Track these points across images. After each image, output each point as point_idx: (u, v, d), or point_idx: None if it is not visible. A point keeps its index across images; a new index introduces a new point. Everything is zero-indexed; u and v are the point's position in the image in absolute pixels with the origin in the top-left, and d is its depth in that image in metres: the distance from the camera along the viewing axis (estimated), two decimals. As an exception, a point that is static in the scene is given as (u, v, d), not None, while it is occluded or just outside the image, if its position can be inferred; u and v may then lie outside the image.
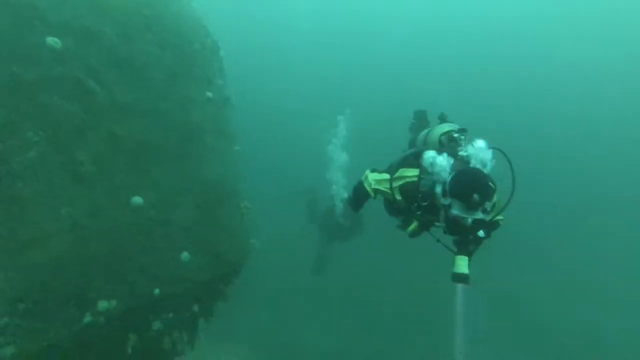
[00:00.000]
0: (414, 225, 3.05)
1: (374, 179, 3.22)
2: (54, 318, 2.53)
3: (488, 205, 2.51)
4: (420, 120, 4.23)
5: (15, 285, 2.40)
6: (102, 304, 2.79)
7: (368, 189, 3.23)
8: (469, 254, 2.83)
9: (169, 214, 3.44)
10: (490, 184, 2.60)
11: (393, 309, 9.41)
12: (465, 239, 2.80)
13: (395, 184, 3.02)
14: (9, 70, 2.73)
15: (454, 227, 2.63)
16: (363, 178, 3.34)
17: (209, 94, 4.39)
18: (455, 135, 2.97)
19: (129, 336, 3.06)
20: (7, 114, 2.64)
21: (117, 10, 3.83)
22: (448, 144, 2.98)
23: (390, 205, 3.28)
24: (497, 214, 2.89)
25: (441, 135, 3.07)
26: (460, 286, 3.05)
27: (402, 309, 9.34)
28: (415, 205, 2.90)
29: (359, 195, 3.38)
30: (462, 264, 2.78)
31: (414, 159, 3.13)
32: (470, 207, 2.47)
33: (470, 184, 2.48)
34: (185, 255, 3.43)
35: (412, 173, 2.93)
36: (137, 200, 3.23)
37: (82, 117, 3.14)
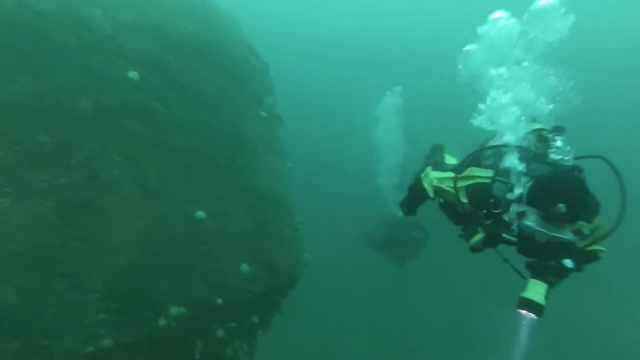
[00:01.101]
0: (478, 237, 2.56)
1: (436, 176, 2.83)
2: (136, 317, 2.80)
3: (583, 226, 2.08)
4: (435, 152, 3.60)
5: (105, 286, 2.70)
6: (174, 309, 3.04)
7: (427, 187, 2.86)
8: (549, 283, 2.31)
9: (224, 225, 3.70)
10: (586, 195, 2.12)
11: (443, 331, 9.10)
12: (541, 264, 2.32)
13: (461, 184, 2.58)
14: (97, 101, 3.17)
15: (526, 244, 2.21)
16: (422, 175, 2.96)
17: (262, 113, 4.70)
18: (548, 135, 2.41)
19: (196, 342, 3.28)
20: (98, 139, 3.06)
21: (177, 40, 4.29)
22: (537, 145, 2.42)
23: (452, 209, 2.82)
24: (596, 242, 2.24)
25: (529, 133, 2.51)
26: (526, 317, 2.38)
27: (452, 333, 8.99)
28: (484, 212, 2.45)
29: (415, 195, 3.05)
30: (536, 290, 2.27)
31: (488, 158, 2.66)
32: (551, 219, 2.02)
33: (556, 190, 2.04)
34: (244, 266, 3.64)
35: (484, 174, 2.49)
36: (201, 214, 3.51)
37: (149, 135, 3.53)
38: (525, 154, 2.37)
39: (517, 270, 2.47)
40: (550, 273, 2.31)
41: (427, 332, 9.08)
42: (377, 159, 9.54)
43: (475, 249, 2.60)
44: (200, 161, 3.87)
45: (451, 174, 2.71)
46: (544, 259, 2.29)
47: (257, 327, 3.96)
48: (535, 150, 2.38)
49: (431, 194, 2.88)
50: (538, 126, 2.54)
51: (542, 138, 2.41)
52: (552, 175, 2.16)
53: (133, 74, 3.49)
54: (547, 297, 2.27)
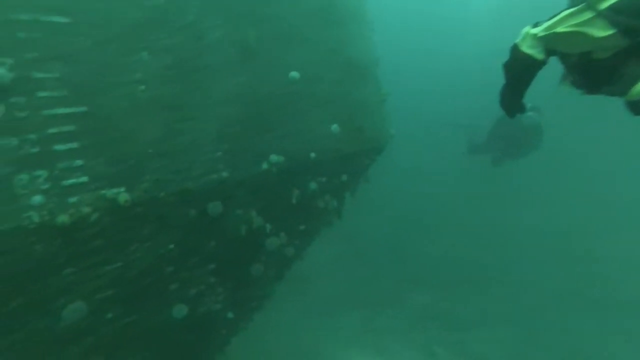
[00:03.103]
0: None
1: (543, 27, 2.19)
2: (245, 158, 3.46)
3: None
4: None
5: (218, 131, 3.34)
6: (273, 157, 3.62)
7: (530, 50, 2.21)
8: None
9: (315, 88, 4.06)
10: None
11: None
12: None
13: (603, 4, 1.85)
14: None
15: None
16: (519, 40, 2.32)
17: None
18: None
19: (293, 189, 3.92)
20: (202, 3, 3.44)
21: None
22: None
23: (581, 65, 2.16)
24: None
25: None
26: None
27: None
28: None
29: (515, 73, 2.38)
30: None
31: None
32: None
33: None
34: (335, 127, 4.05)
35: None
36: (294, 74, 3.88)
37: (246, 1, 3.83)
38: None
39: None
40: None
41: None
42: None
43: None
44: (293, 28, 4.14)
45: (569, 10, 2.03)
46: None
47: (346, 187, 4.50)
48: None
49: (540, 55, 2.22)
50: None
51: None
52: None
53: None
54: None
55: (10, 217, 2.67)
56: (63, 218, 2.85)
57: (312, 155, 3.91)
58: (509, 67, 2.41)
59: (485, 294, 8.36)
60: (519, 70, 2.36)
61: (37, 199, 2.78)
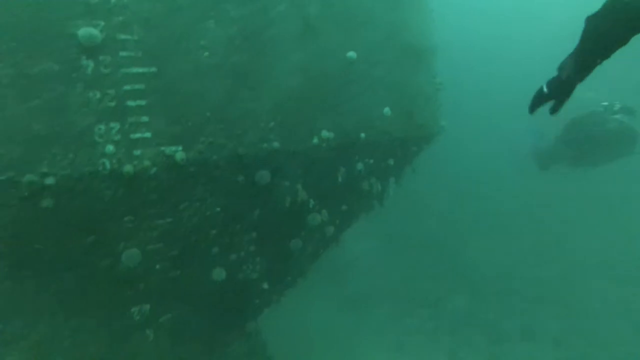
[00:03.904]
0: None
1: None
2: (296, 131, 3.66)
3: None
4: None
5: (274, 101, 3.53)
6: (324, 133, 3.77)
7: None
8: None
9: (372, 70, 4.15)
10: None
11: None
12: None
13: None
14: None
15: None
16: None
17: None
18: None
19: (340, 167, 4.05)
20: None
21: None
22: None
23: None
24: None
25: None
26: None
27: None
28: None
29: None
30: None
31: None
32: None
33: None
34: (387, 110, 4.13)
35: None
36: (352, 54, 4.00)
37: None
38: None
39: None
40: None
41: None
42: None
43: None
44: (355, 8, 4.25)
45: None
46: None
47: (391, 172, 4.57)
48: None
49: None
50: None
51: None
52: None
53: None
54: None
55: (89, 162, 3.02)
56: (128, 168, 3.17)
57: (362, 135, 4.02)
58: (612, 19, 1.81)
59: (533, 310, 8.00)
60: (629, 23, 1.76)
61: (110, 148, 3.11)
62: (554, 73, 2.27)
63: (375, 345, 6.91)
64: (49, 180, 2.90)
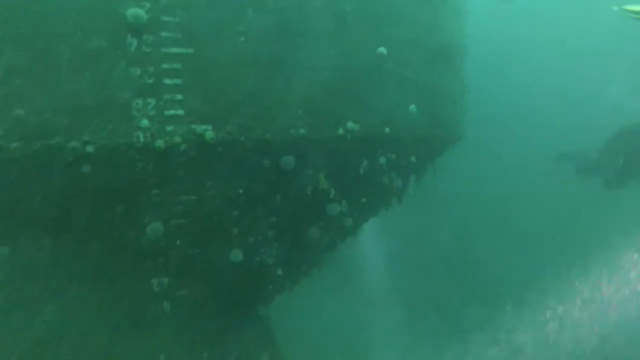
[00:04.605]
0: None
1: None
2: (323, 121, 3.82)
3: None
4: None
5: (304, 90, 3.69)
6: (350, 124, 3.92)
7: None
8: None
9: (401, 67, 4.27)
10: None
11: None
12: None
13: None
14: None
15: None
16: None
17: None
18: None
19: (363, 160, 4.18)
20: None
21: None
22: None
23: None
24: None
25: None
26: None
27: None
28: None
29: None
30: None
31: None
32: None
33: None
34: (412, 107, 4.25)
35: None
36: (382, 50, 4.13)
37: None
38: None
39: None
40: None
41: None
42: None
43: None
44: (388, 6, 4.38)
45: None
46: None
47: (413, 170, 4.67)
48: None
49: None
50: None
51: None
52: None
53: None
54: None
55: (125, 134, 3.26)
56: (160, 143, 3.39)
57: (387, 130, 4.15)
58: None
59: (549, 324, 7.87)
60: None
61: (145, 122, 3.34)
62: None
63: (385, 345, 6.99)
64: (90, 148, 3.14)
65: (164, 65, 3.39)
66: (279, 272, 4.83)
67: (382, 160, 4.28)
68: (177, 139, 3.46)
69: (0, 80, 2.82)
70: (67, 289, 3.33)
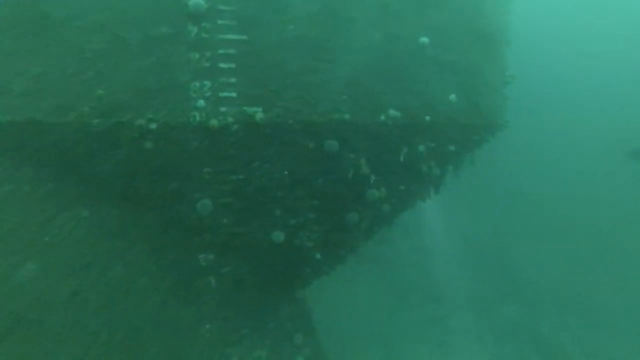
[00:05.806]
0: None
1: None
2: (365, 108, 4.04)
3: None
4: None
5: (348, 77, 3.93)
6: (392, 111, 4.10)
7: None
8: None
9: (442, 56, 4.43)
10: None
11: None
12: None
13: None
14: None
15: None
16: None
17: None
18: None
19: (402, 147, 4.36)
20: None
21: None
22: None
23: None
24: None
25: None
26: None
27: None
28: None
29: None
30: None
31: None
32: None
33: None
34: (453, 96, 4.38)
35: None
36: (424, 40, 4.30)
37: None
38: None
39: None
40: None
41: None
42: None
43: None
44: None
45: None
46: None
47: (451, 158, 4.79)
48: None
49: None
50: None
51: None
52: None
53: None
54: None
55: (183, 113, 3.61)
56: (214, 122, 3.72)
57: (427, 118, 4.30)
58: None
59: (597, 334, 7.72)
60: None
61: (201, 103, 3.67)
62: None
63: (417, 339, 7.09)
64: (152, 125, 3.50)
65: (221, 50, 3.73)
66: (317, 256, 5.08)
67: (422, 147, 4.44)
68: (230, 119, 3.78)
69: (89, 64, 3.23)
70: (129, 251, 3.71)
